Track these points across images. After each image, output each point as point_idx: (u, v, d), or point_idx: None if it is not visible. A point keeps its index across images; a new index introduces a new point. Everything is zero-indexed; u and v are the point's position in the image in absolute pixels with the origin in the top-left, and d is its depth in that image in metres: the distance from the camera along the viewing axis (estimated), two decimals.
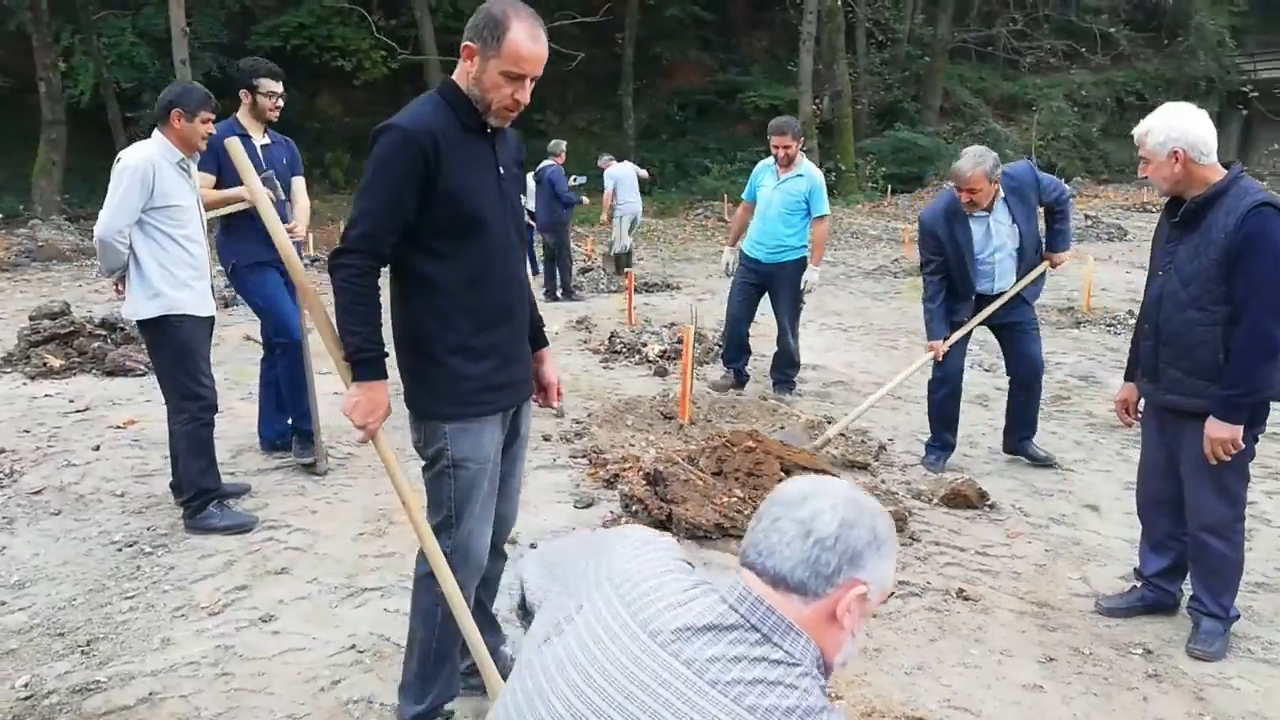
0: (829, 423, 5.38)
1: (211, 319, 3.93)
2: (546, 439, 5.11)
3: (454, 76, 2.28)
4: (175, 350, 3.75)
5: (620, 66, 27.71)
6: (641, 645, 1.22)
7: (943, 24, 28.87)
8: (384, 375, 2.24)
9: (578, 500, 4.19)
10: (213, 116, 3.78)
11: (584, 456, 4.79)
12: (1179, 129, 2.87)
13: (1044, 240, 4.75)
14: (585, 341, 7.84)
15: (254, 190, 2.30)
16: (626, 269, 10.86)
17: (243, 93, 4.45)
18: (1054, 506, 4.35)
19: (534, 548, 3.62)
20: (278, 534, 3.86)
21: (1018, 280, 4.64)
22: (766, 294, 6.19)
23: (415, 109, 2.23)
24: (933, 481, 4.53)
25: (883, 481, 4.55)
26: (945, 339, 4.64)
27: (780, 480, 4.22)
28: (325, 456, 4.64)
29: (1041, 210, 4.69)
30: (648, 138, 28.73)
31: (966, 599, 3.42)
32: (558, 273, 10.27)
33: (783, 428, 5.21)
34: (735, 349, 6.32)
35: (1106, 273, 11.04)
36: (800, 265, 6.01)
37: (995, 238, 4.54)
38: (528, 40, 2.14)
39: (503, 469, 2.49)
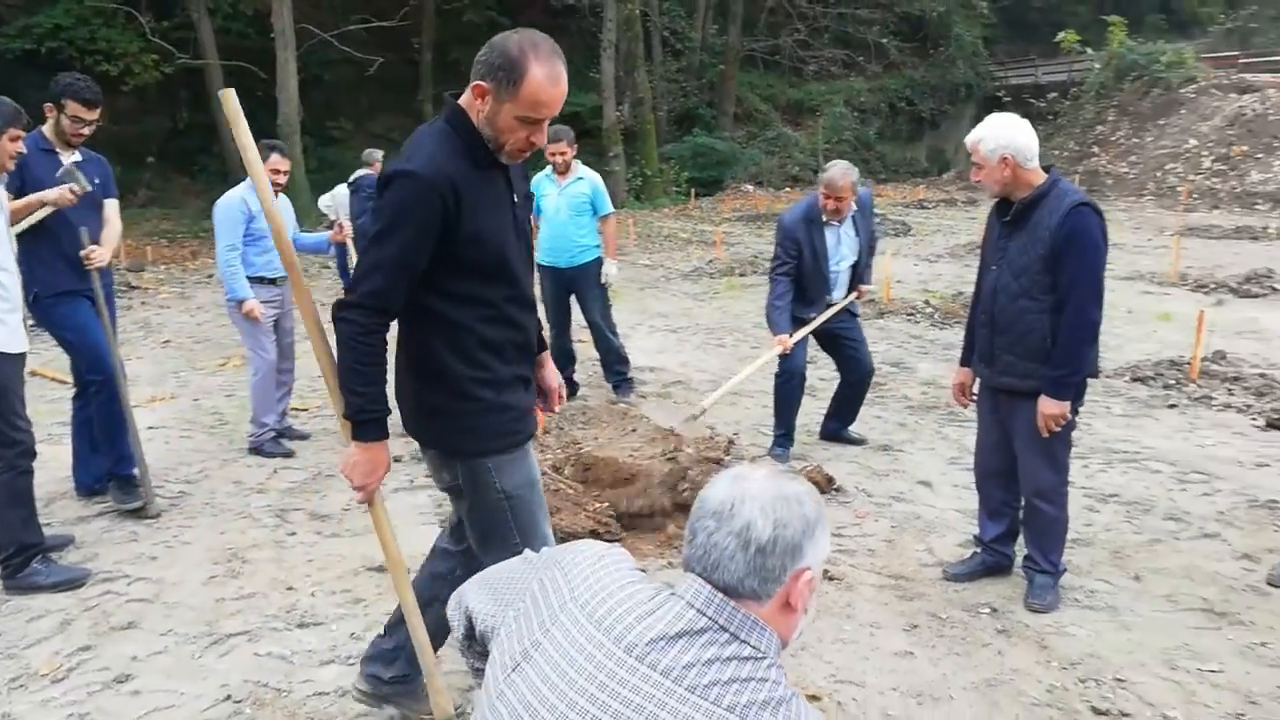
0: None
1: (24, 355, 3.54)
2: (398, 459, 4.95)
3: (462, 104, 2.12)
4: None
5: (418, 72, 27.13)
6: (618, 661, 1.24)
7: (733, 34, 30.17)
8: (386, 435, 2.13)
9: (443, 520, 4.09)
10: (22, 134, 3.41)
11: None
12: (1007, 137, 3.17)
13: None
14: None
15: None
16: None
17: (48, 107, 4.04)
18: (892, 485, 4.68)
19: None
20: (115, 586, 3.54)
21: (847, 291, 5.03)
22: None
23: (428, 149, 2.07)
24: (782, 470, 4.75)
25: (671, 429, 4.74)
26: (790, 334, 4.88)
27: (638, 481, 4.32)
28: (153, 499, 4.28)
29: None
30: None
31: (832, 579, 3.62)
32: None
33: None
34: (562, 358, 6.29)
35: (898, 266, 11.92)
36: (599, 263, 6.16)
37: (844, 247, 4.90)
38: (548, 84, 2.01)
39: None
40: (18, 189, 3.87)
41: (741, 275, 12.03)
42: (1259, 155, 21.47)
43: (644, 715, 1.18)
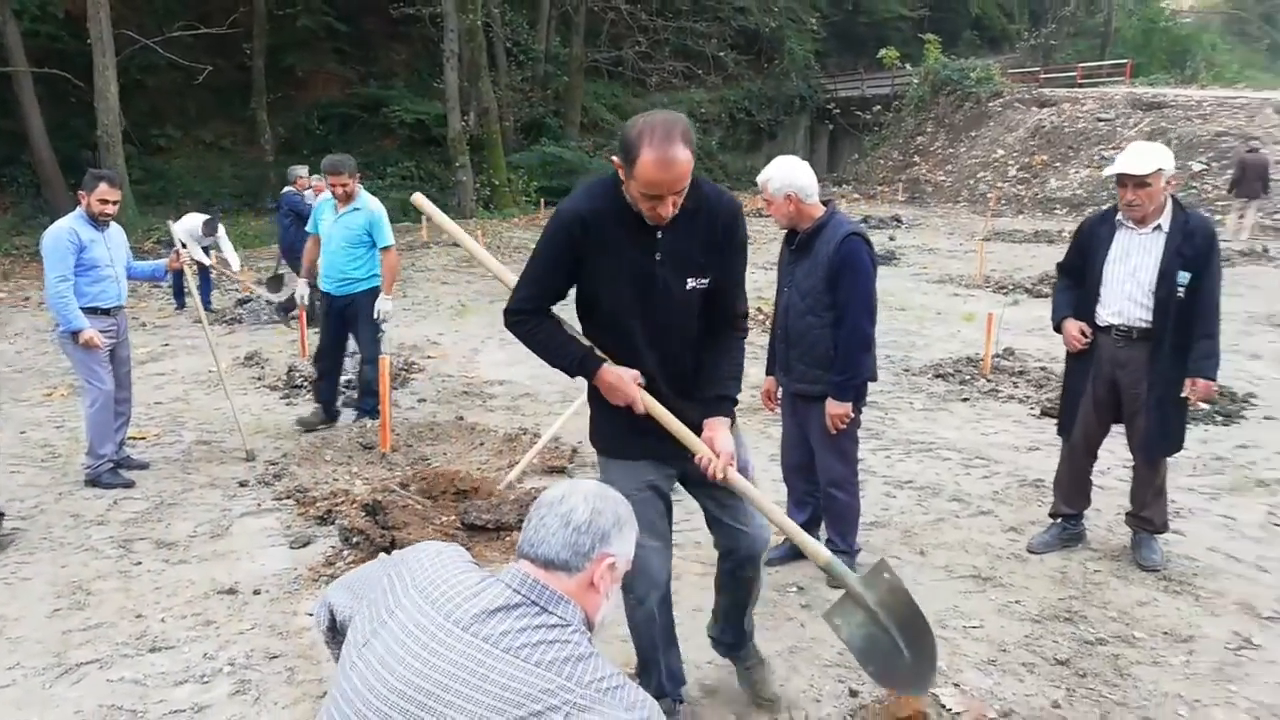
0: (524, 434, 5.82)
1: None
2: (243, 485, 5.03)
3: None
4: None
5: (250, 78, 26.21)
6: (448, 632, 1.55)
7: (576, 44, 30.63)
8: (602, 361, 2.50)
9: (293, 541, 4.24)
10: None
11: (289, 497, 4.79)
12: (790, 177, 3.64)
13: None
14: (259, 379, 7.60)
15: None
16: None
17: None
18: None
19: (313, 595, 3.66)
20: None
21: None
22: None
23: (579, 191, 2.51)
24: None
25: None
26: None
27: (484, 493, 4.59)
28: None
29: None
30: (288, 152, 27.37)
31: None
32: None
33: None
34: (326, 385, 6.20)
35: None
36: (371, 295, 6.09)
37: None
38: (654, 169, 2.22)
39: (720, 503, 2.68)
40: None
41: None
42: (1056, 164, 23.65)
43: (468, 673, 1.50)
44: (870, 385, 3.85)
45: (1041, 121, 25.82)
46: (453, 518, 4.29)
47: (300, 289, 6.50)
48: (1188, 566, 4.01)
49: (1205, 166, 19.78)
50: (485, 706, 1.47)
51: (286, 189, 10.33)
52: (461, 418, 6.32)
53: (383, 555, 1.95)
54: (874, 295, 3.68)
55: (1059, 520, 4.27)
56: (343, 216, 6.00)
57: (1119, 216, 3.90)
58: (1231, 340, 7.55)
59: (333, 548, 4.15)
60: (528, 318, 2.53)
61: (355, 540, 4.07)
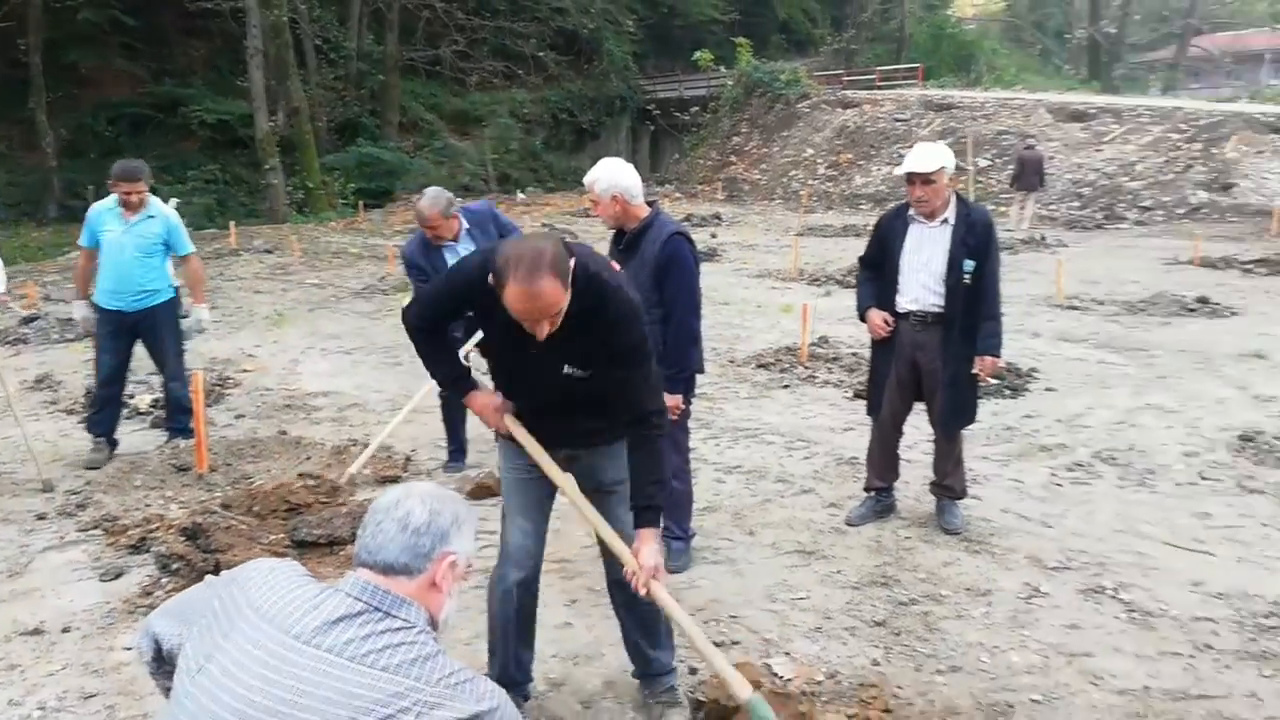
0: (354, 445, 5.67)
1: None
2: (42, 518, 4.64)
3: None
4: None
5: (28, 76, 24.00)
6: (289, 647, 1.52)
7: (391, 42, 29.86)
8: (473, 387, 2.77)
9: (103, 573, 3.96)
10: None
11: (95, 527, 4.47)
12: (617, 179, 3.74)
13: None
14: (53, 402, 7.01)
15: None
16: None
17: None
18: None
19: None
20: None
21: None
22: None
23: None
24: (458, 480, 5.10)
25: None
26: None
27: (315, 508, 4.46)
28: None
29: None
30: (73, 155, 25.36)
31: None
32: None
33: (308, 458, 5.35)
34: (109, 415, 5.67)
35: None
36: (171, 307, 5.72)
37: None
38: (520, 301, 2.28)
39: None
40: None
41: None
42: (860, 162, 25.14)
43: (315, 686, 1.47)
44: (699, 377, 4.02)
45: (846, 122, 27.37)
46: (281, 535, 4.14)
47: (79, 310, 5.72)
48: (985, 527, 4.41)
49: (990, 162, 21.57)
50: (333, 718, 1.47)
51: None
52: (285, 432, 6.07)
53: (209, 578, 1.88)
54: (698, 291, 3.84)
55: (872, 494, 4.60)
56: (135, 225, 5.52)
57: (911, 212, 4.25)
58: (1016, 321, 8.31)
59: (149, 577, 3.91)
60: (418, 331, 2.72)
61: (175, 567, 3.86)
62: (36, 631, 3.50)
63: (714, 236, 17.60)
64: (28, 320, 9.92)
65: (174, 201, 10.43)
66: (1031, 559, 4.07)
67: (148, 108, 26.65)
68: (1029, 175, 17.16)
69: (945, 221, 4.18)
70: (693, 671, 3.22)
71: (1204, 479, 4.93)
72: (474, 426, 5.65)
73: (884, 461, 4.55)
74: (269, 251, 16.98)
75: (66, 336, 9.48)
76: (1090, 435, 5.72)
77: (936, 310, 4.19)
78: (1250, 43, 45.64)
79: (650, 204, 3.90)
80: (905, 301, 4.26)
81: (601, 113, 36.30)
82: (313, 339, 9.32)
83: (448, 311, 2.74)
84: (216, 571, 3.81)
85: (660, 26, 38.38)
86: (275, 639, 1.53)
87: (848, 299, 10.67)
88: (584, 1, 33.87)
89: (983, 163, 21.16)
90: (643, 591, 2.49)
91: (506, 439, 2.78)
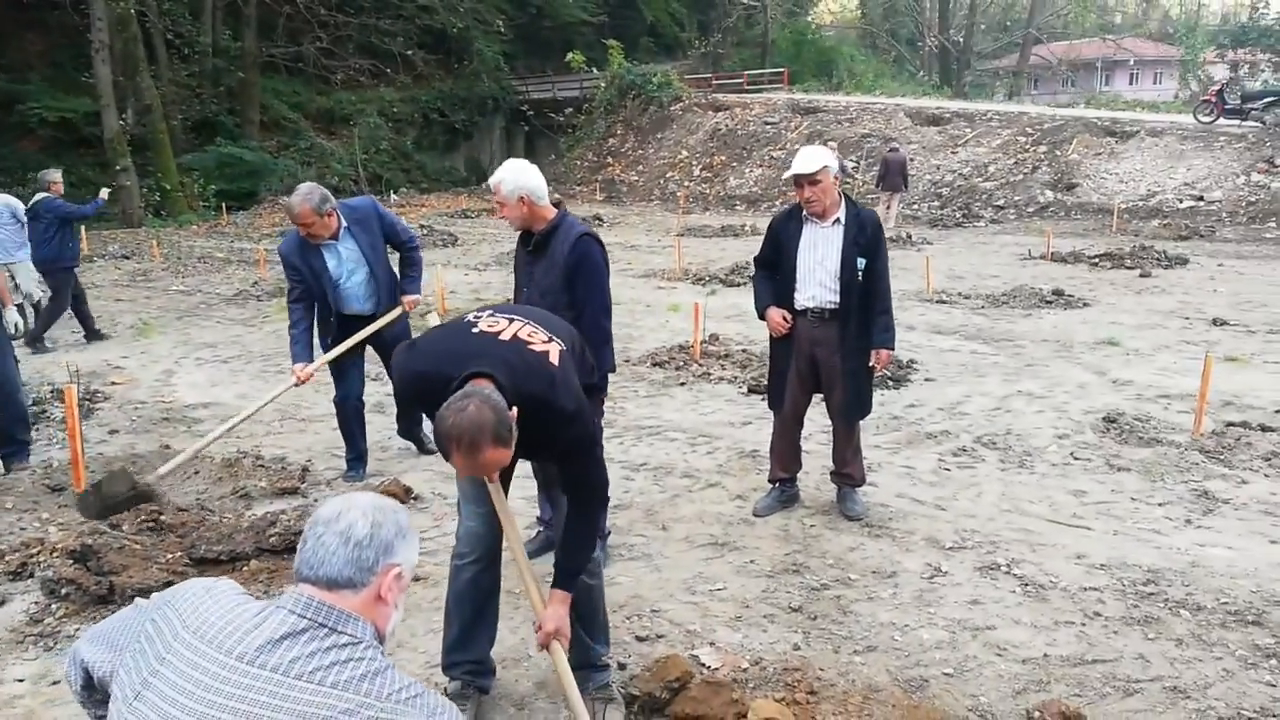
0: (244, 457, 5.44)
1: None
2: None
3: None
4: None
5: None
6: (231, 669, 1.47)
7: (249, 38, 28.63)
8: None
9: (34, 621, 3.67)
10: None
11: None
12: (523, 180, 3.73)
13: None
14: None
15: None
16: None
17: None
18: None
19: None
20: None
21: (381, 300, 5.05)
22: None
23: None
24: (360, 488, 4.97)
25: (315, 501, 4.84)
26: (308, 363, 4.87)
27: (211, 524, 4.27)
28: None
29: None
30: None
31: (420, 580, 3.95)
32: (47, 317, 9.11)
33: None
34: None
35: (450, 276, 12.49)
36: None
37: (346, 263, 4.92)
38: (470, 471, 2.37)
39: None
40: None
41: None
42: (734, 164, 25.72)
43: (261, 708, 1.43)
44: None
45: (718, 125, 27.95)
46: (179, 554, 3.94)
47: None
48: (883, 513, 4.63)
49: (855, 164, 22.46)
50: None
51: (44, 195, 9.04)
52: (168, 446, 5.76)
53: (138, 600, 1.79)
54: (609, 292, 3.88)
55: (777, 485, 4.75)
56: None
57: (804, 213, 4.41)
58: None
59: (35, 603, 3.66)
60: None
61: (65, 591, 3.62)
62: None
63: None
64: None
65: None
66: (930, 540, 4.30)
67: None
68: (893, 176, 17.94)
69: (837, 221, 4.36)
70: (622, 667, 3.26)
71: (1075, 459, 5.31)
72: (372, 435, 5.53)
73: (787, 453, 4.70)
74: (126, 257, 16.04)
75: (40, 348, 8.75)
76: (970, 422, 6.06)
77: (833, 306, 4.37)
78: (1084, 52, 49.15)
79: (556, 205, 3.92)
80: (803, 299, 4.42)
81: (474, 112, 35.80)
82: (185, 348, 8.86)
83: (414, 415, 3.09)
84: (111, 593, 3.62)
85: (530, 27, 38.14)
86: (216, 660, 1.48)
87: (732, 297, 10.96)
88: (452, 0, 33.32)
89: (849, 164, 22.01)
90: (538, 646, 2.70)
91: None
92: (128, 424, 6.36)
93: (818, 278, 4.37)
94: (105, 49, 21.70)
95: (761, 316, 4.57)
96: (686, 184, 25.71)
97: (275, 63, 30.76)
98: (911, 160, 20.36)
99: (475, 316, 2.77)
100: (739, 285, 11.94)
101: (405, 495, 4.85)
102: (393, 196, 27.13)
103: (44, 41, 27.41)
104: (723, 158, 26.15)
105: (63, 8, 23.52)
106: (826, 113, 26.41)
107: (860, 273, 4.32)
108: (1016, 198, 19.93)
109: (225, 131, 27.95)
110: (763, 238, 4.62)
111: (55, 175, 9.43)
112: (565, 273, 3.75)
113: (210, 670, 1.47)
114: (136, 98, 23.50)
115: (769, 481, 4.79)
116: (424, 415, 3.06)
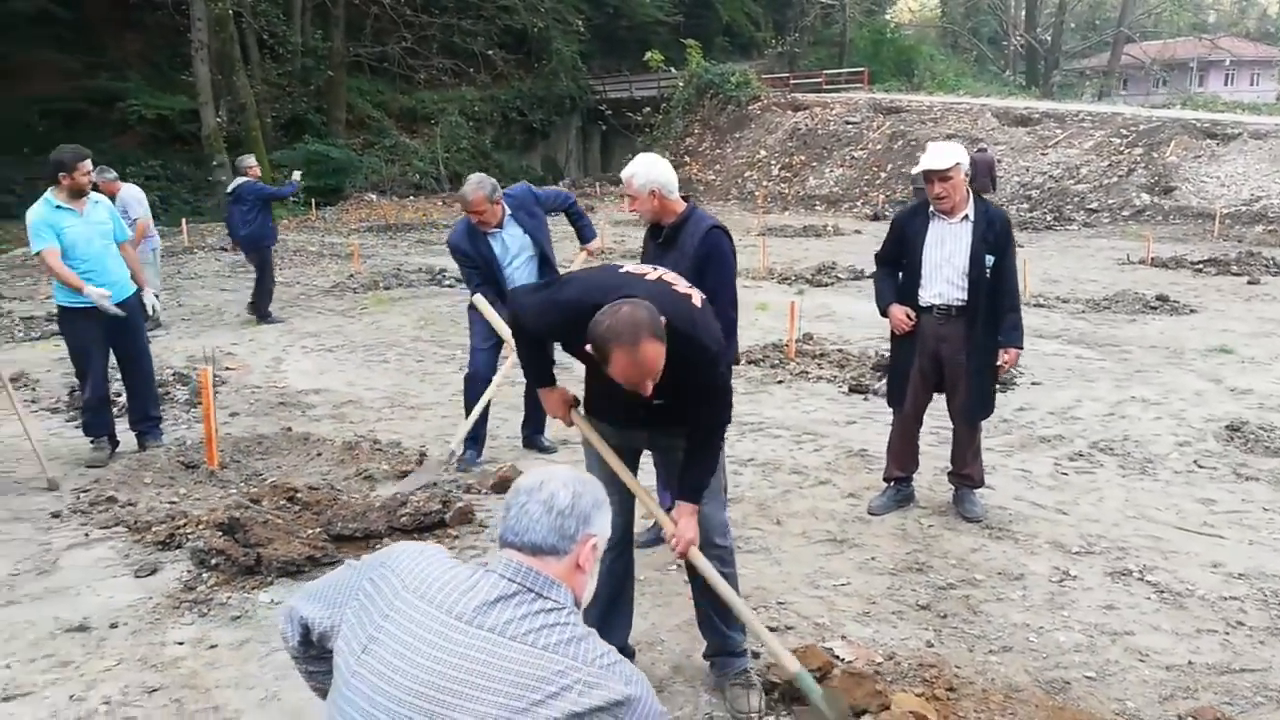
0: (364, 442, 5.62)
1: None
2: (57, 516, 4.51)
3: None
4: None
5: None
6: (452, 628, 1.57)
7: (337, 38, 29.34)
8: (544, 384, 3.01)
9: (138, 569, 3.88)
10: None
11: (118, 524, 4.37)
12: (654, 174, 3.79)
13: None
14: (33, 401, 6.78)
15: None
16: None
17: None
18: None
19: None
20: None
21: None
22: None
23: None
24: (478, 474, 5.09)
25: (435, 484, 4.96)
26: None
27: (341, 504, 4.41)
28: None
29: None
30: (6, 152, 24.36)
31: None
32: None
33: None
34: (106, 416, 5.53)
35: None
36: (139, 296, 5.64)
37: (511, 248, 5.16)
38: (627, 370, 2.39)
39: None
40: None
41: (387, 289, 12.01)
42: (813, 164, 25.52)
43: (482, 665, 1.52)
44: None
45: (797, 124, 27.76)
46: (318, 530, 4.10)
47: (102, 297, 5.21)
48: (1002, 515, 4.56)
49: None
50: (502, 694, 1.51)
51: (244, 179, 9.83)
52: (290, 429, 5.97)
53: (350, 561, 1.90)
54: (735, 284, 3.91)
55: (893, 483, 4.72)
56: (88, 215, 5.29)
57: (931, 209, 4.37)
58: None
59: (188, 571, 3.84)
60: (523, 334, 2.93)
61: (214, 561, 3.80)
62: (83, 628, 3.42)
63: None
64: None
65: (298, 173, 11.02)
66: (1054, 544, 4.23)
67: (82, 101, 25.74)
68: (981, 177, 17.53)
69: (966, 218, 4.31)
70: (755, 655, 3.28)
71: (1200, 466, 5.16)
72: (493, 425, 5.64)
73: (905, 452, 4.66)
74: (224, 249, 16.59)
75: (31, 335, 9.18)
76: (1084, 426, 5.94)
77: (960, 303, 4.32)
78: (1178, 51, 47.52)
79: (685, 199, 3.97)
80: (929, 295, 4.38)
81: (551, 112, 36.12)
82: (290, 337, 9.16)
83: (550, 334, 2.93)
84: (258, 563, 3.78)
85: (606, 26, 38.32)
86: (437, 619, 1.58)
87: (821, 297, 10.89)
88: (533, 0, 33.70)
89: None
90: (678, 555, 2.78)
91: (588, 409, 2.99)
92: (246, 407, 6.61)
93: (945, 274, 4.33)
94: (204, 48, 22.51)
95: (884, 314, 4.55)
96: (765, 183, 25.59)
97: (361, 62, 31.48)
98: (999, 161, 19.95)
99: (619, 263, 2.97)
100: (827, 285, 11.86)
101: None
102: None
103: (142, 42, 28.54)
104: (802, 157, 25.97)
105: (163, 9, 24.43)
106: (909, 112, 26.02)
107: (988, 270, 4.27)
108: (1110, 201, 19.38)
109: (312, 129, 28.70)
110: (887, 234, 4.61)
111: (251, 160, 10.07)
112: (695, 264, 3.78)
113: (432, 628, 1.57)
114: (231, 96, 24.31)
115: (884, 480, 4.76)
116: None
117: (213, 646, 3.33)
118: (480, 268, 5.10)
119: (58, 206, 5.20)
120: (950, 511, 4.61)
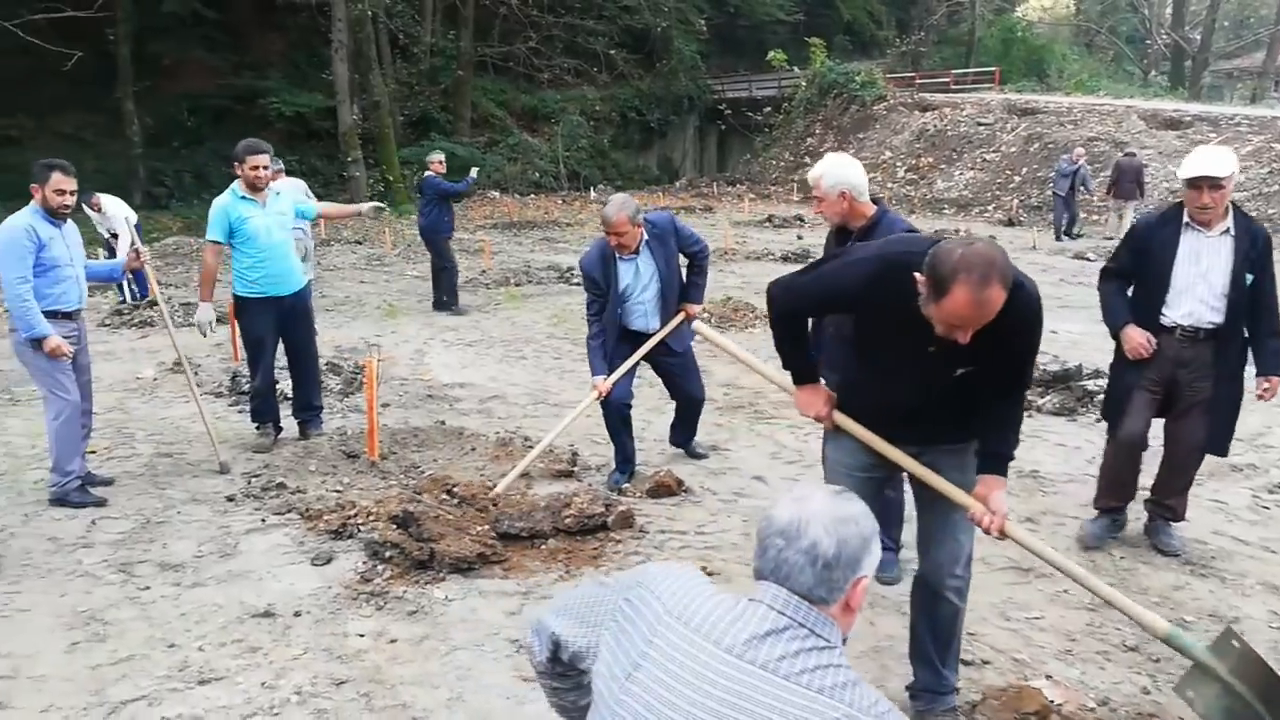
0: (514, 438, 5.62)
1: None
2: (231, 499, 4.65)
3: None
4: None
5: (115, 66, 24.47)
6: (721, 660, 1.45)
7: (465, 38, 30.00)
8: (806, 380, 2.86)
9: (315, 557, 3.94)
10: None
11: (290, 511, 4.46)
12: (844, 175, 3.62)
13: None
14: (200, 384, 7.04)
15: None
16: None
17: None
18: (731, 483, 5.06)
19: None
20: None
21: (664, 319, 4.95)
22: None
23: (899, 246, 2.54)
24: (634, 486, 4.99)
25: (590, 485, 4.91)
26: (606, 375, 4.79)
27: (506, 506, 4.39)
28: None
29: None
30: (156, 145, 25.87)
31: (711, 574, 3.92)
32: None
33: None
34: (272, 403, 5.68)
35: None
36: (310, 286, 5.78)
37: (641, 277, 4.84)
38: (966, 309, 2.21)
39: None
40: None
41: (518, 285, 12.14)
42: (942, 166, 24.72)
43: (754, 704, 1.41)
44: None
45: (925, 125, 26.94)
46: (486, 527, 4.08)
47: (205, 314, 5.48)
48: (1202, 550, 4.20)
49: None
50: None
51: (428, 174, 10.37)
52: (443, 422, 6.03)
53: (602, 578, 1.81)
54: None
55: (1106, 513, 4.32)
56: (270, 206, 5.40)
57: (1185, 220, 3.95)
58: None
59: (363, 562, 3.88)
60: (783, 317, 2.80)
61: (389, 554, 3.82)
62: (268, 614, 3.48)
63: (800, 238, 17.39)
64: (153, 303, 10.06)
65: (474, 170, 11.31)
66: (1267, 586, 3.86)
67: (228, 99, 27.08)
68: (1127, 183, 16.69)
69: (1226, 232, 3.90)
70: (956, 691, 3.08)
71: None
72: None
73: (1123, 479, 4.25)
74: (359, 243, 17.16)
75: (189, 321, 9.60)
76: (1279, 455, 5.46)
77: (1212, 326, 3.92)
78: None
79: (875, 202, 3.78)
80: (1176, 315, 3.97)
81: (669, 111, 36.11)
82: (430, 330, 9.32)
83: (819, 307, 2.80)
84: (431, 559, 3.78)
85: (724, 26, 38.04)
86: (705, 650, 1.48)
87: None
88: (656, 0, 33.75)
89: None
90: (995, 533, 2.57)
91: (836, 432, 2.81)
92: (396, 399, 6.72)
93: (1198, 293, 3.92)
94: (344, 48, 23.32)
95: (1114, 334, 4.16)
96: (890, 186, 24.92)
97: (486, 61, 32.13)
98: (1145, 166, 18.87)
99: None
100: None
101: (678, 487, 4.85)
102: (591, 192, 27.77)
103: (283, 42, 29.84)
104: (930, 159, 25.19)
105: (300, 10, 25.44)
106: (1046, 114, 24.90)
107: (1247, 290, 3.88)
108: (1271, 210, 18.07)
109: (438, 127, 29.47)
110: (1120, 244, 4.24)
111: (437, 156, 10.52)
112: None
113: (700, 659, 1.47)
114: (366, 94, 25.13)
115: (1095, 508, 4.38)
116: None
117: (393, 641, 3.33)
118: (606, 296, 4.81)
119: (241, 197, 5.35)
120: (1142, 543, 4.27)
